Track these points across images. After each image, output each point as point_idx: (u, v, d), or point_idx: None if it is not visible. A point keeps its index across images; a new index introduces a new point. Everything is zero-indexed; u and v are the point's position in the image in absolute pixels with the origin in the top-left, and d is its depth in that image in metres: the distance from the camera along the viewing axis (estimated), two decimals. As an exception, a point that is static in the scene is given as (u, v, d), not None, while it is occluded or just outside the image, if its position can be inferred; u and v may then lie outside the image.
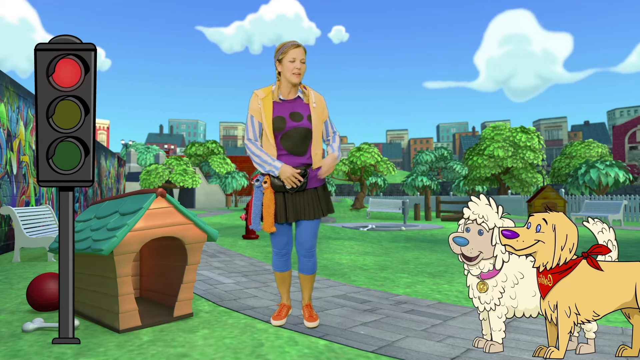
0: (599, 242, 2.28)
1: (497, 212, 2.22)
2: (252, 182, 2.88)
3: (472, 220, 2.25)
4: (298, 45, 2.76)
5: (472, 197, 2.26)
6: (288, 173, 2.72)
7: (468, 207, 2.26)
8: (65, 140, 2.61)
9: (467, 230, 2.25)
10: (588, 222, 2.32)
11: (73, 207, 2.74)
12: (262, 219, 2.84)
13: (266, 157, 2.78)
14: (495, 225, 2.21)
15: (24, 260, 6.17)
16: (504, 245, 2.09)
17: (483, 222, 2.22)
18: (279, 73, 2.82)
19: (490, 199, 2.26)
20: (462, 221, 2.28)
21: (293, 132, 2.78)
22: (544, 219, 2.07)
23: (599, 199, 18.61)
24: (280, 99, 2.84)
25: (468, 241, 2.23)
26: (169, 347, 2.54)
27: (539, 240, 2.06)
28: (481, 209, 2.23)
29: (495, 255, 2.24)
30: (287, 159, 2.81)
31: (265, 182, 2.80)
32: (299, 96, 2.86)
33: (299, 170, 2.75)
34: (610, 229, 2.30)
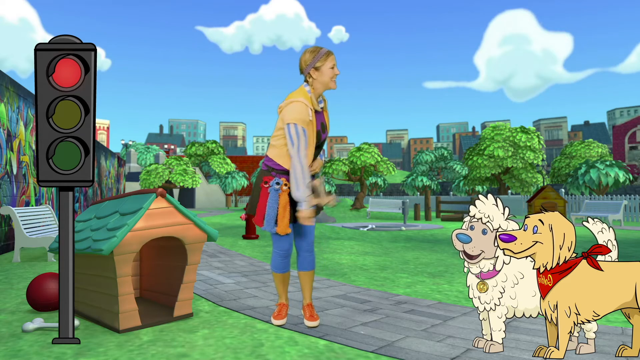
0: (599, 242, 2.29)
1: (503, 213, 2.22)
2: (267, 184, 2.79)
3: (478, 219, 2.25)
4: (332, 52, 2.79)
5: (480, 196, 2.26)
6: (307, 215, 2.68)
7: (475, 205, 2.26)
8: (65, 140, 2.61)
9: (472, 228, 2.25)
10: (588, 222, 2.32)
11: (73, 207, 2.74)
12: (276, 222, 2.80)
13: (305, 184, 2.66)
14: (499, 226, 2.21)
15: (24, 260, 6.17)
16: (503, 249, 2.09)
17: (488, 221, 2.22)
18: (309, 81, 2.78)
19: (498, 199, 2.25)
20: (467, 218, 2.28)
21: (321, 144, 2.87)
22: (540, 220, 2.07)
23: (599, 199, 18.62)
24: (315, 109, 2.82)
25: (471, 239, 2.23)
26: (169, 347, 2.54)
27: (537, 242, 2.06)
28: (488, 208, 2.23)
29: (496, 256, 2.24)
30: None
31: (285, 185, 2.77)
32: (322, 106, 2.87)
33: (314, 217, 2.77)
34: (610, 228, 2.30)
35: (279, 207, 2.77)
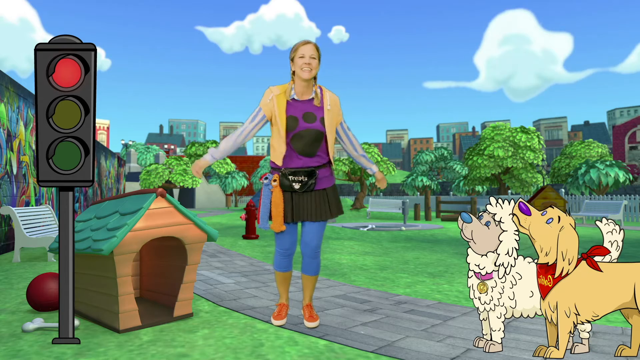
0: (605, 242, 2.30)
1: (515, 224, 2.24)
2: (262, 180, 2.88)
3: (489, 214, 2.27)
4: (307, 42, 2.78)
5: (499, 200, 2.26)
6: (194, 168, 2.87)
7: (490, 204, 2.27)
8: (65, 140, 2.61)
9: (481, 217, 2.28)
10: (601, 221, 2.33)
11: (73, 207, 2.74)
12: (269, 218, 2.83)
13: (221, 148, 2.90)
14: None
15: (24, 260, 6.17)
16: (514, 214, 2.12)
17: (499, 222, 2.25)
18: (293, 73, 2.81)
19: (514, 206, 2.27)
20: (482, 212, 2.32)
21: (304, 133, 2.77)
22: (559, 217, 2.10)
23: (599, 199, 18.61)
24: (293, 98, 2.82)
25: (472, 219, 2.26)
26: (169, 347, 2.54)
27: (543, 231, 2.09)
28: (502, 213, 2.24)
29: (498, 253, 2.24)
30: (297, 160, 2.81)
31: (274, 181, 2.79)
32: (313, 97, 2.84)
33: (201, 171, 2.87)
34: (622, 231, 2.31)
35: (272, 204, 2.78)
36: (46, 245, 6.06)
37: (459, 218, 2.31)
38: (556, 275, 2.08)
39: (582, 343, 2.36)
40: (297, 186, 2.77)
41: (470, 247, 2.33)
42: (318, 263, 2.95)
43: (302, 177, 2.77)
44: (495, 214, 2.25)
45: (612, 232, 2.30)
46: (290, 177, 2.77)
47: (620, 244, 2.30)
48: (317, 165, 2.83)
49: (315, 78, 2.84)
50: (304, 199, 2.82)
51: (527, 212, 2.11)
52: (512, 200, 2.27)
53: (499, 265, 2.24)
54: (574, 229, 2.11)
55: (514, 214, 2.14)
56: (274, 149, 2.84)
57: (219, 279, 4.70)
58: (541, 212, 2.12)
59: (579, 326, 2.33)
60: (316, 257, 2.93)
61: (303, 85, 2.79)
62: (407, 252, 7.33)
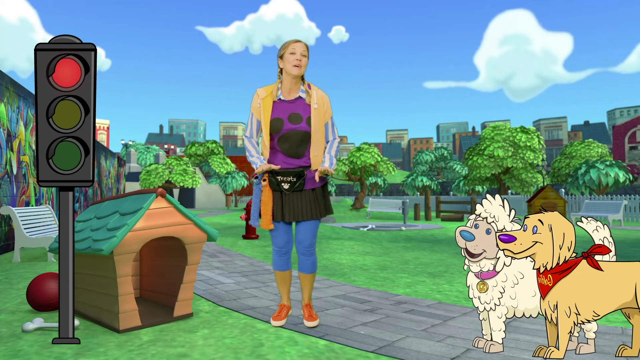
0: (595, 241, 2.29)
1: (509, 215, 2.22)
2: (251, 179, 2.93)
3: (483, 218, 2.25)
4: (298, 41, 2.80)
5: (488, 196, 2.26)
6: (264, 167, 2.75)
7: (481, 204, 2.26)
8: (65, 140, 2.61)
9: (476, 226, 2.25)
10: (582, 221, 2.32)
11: (73, 207, 2.74)
12: (260, 216, 2.86)
13: (254, 152, 2.85)
14: (504, 227, 2.21)
15: (24, 260, 6.17)
16: (503, 250, 2.09)
17: (493, 222, 2.23)
18: (281, 71, 2.83)
19: (505, 200, 2.25)
20: (472, 217, 2.29)
21: (290, 135, 2.79)
22: (539, 220, 2.08)
23: (599, 199, 18.61)
24: (280, 98, 2.83)
25: (474, 237, 2.24)
26: (169, 347, 2.54)
27: (536, 242, 2.06)
28: (494, 208, 2.24)
29: (498, 256, 2.24)
30: (284, 160, 2.83)
31: (264, 180, 2.82)
32: (300, 96, 2.85)
33: (278, 167, 2.77)
34: (605, 226, 2.30)
35: (261, 202, 2.81)
36: (46, 245, 6.06)
37: (460, 237, 2.26)
38: (561, 263, 2.07)
39: (587, 343, 2.35)
40: (285, 186, 2.80)
41: (469, 266, 2.31)
42: (313, 261, 2.96)
43: (291, 178, 2.79)
44: (488, 212, 2.23)
45: (597, 229, 2.29)
46: (278, 177, 2.79)
47: (610, 239, 2.28)
48: (306, 165, 2.85)
49: (303, 77, 2.87)
50: (293, 199, 2.84)
51: (511, 238, 2.07)
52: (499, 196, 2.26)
53: (498, 258, 2.23)
54: (564, 217, 2.10)
55: (504, 250, 2.10)
56: (264, 149, 2.88)
57: (219, 279, 4.69)
58: (521, 228, 2.11)
59: (584, 326, 2.32)
60: (311, 255, 2.94)
61: (292, 82, 2.81)
62: (407, 252, 7.33)
